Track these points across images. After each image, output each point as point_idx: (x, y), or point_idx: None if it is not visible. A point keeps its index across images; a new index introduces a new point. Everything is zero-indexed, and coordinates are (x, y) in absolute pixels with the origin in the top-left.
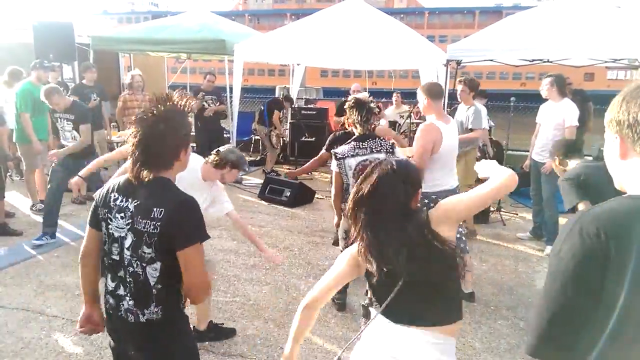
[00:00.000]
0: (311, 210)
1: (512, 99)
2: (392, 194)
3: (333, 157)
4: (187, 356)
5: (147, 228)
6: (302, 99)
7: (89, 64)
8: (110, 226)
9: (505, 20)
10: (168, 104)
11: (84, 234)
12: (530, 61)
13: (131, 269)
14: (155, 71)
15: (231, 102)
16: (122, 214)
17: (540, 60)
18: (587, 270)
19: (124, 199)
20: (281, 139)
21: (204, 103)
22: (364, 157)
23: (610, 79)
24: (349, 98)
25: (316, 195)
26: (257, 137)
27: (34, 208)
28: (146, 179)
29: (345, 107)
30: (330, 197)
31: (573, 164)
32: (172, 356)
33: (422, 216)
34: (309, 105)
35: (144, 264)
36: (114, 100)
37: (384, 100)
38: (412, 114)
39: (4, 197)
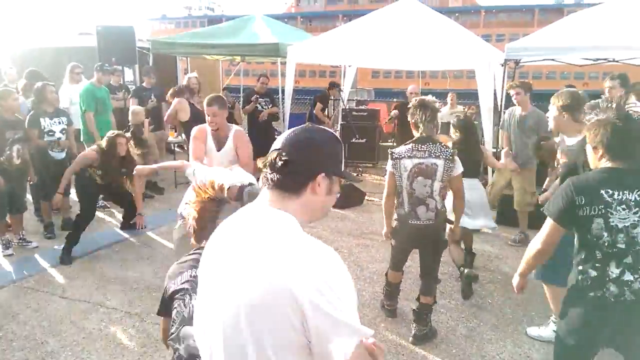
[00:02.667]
0: (361, 212)
1: None
2: None
3: (389, 156)
4: None
5: None
6: (354, 100)
7: (149, 68)
8: (611, 219)
9: (568, 18)
10: None
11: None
12: (594, 60)
13: None
14: (210, 73)
15: (283, 103)
16: (624, 205)
17: (605, 59)
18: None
19: (620, 192)
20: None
21: (257, 105)
22: (421, 160)
23: None
24: (414, 99)
25: (366, 197)
26: None
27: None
28: None
29: (409, 106)
30: (382, 199)
31: None
32: None
33: None
34: (360, 107)
35: None
36: None
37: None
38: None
39: (70, 193)
